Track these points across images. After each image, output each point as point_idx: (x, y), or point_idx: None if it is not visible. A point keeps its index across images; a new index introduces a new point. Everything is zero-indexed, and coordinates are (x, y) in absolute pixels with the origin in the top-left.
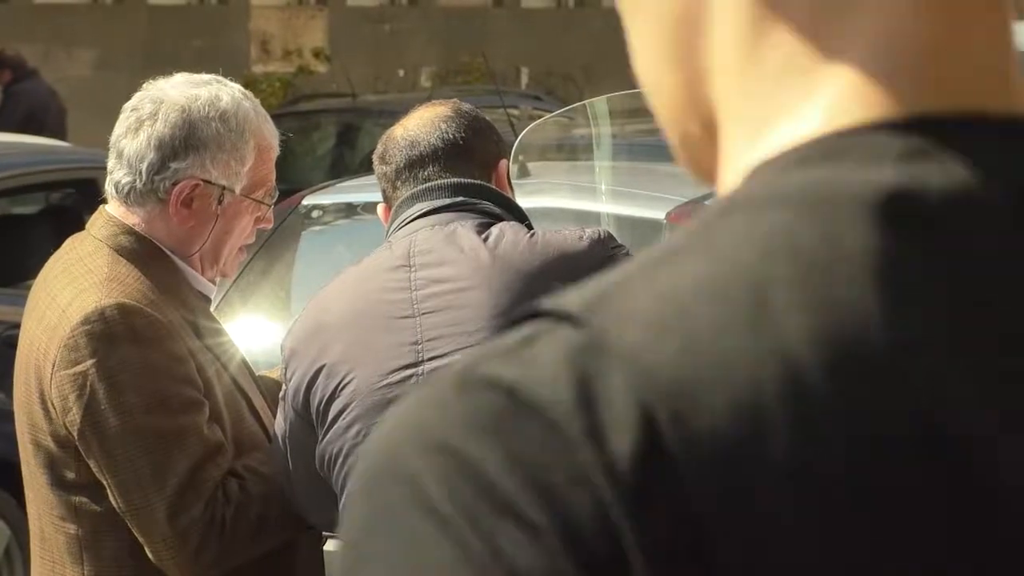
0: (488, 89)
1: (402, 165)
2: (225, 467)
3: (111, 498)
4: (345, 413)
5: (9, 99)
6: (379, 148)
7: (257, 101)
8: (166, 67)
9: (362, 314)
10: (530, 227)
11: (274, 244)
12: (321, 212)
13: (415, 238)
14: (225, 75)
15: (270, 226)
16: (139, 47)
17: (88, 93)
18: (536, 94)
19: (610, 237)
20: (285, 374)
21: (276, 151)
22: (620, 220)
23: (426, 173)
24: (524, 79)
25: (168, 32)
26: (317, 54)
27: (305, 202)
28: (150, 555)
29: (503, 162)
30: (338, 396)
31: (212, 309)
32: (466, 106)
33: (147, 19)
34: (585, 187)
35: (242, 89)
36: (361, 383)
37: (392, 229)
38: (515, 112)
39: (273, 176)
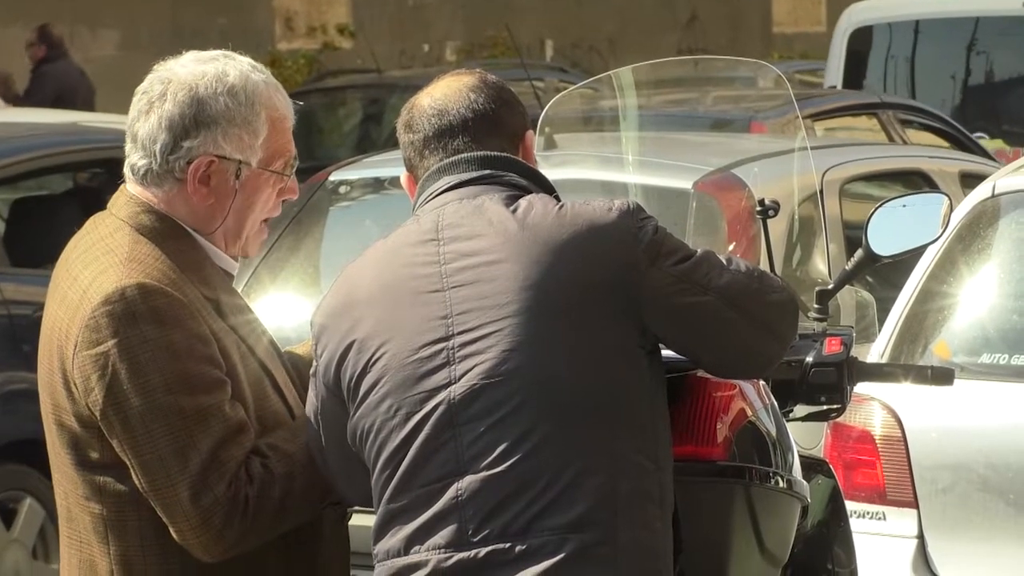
0: (513, 62)
1: (431, 134)
2: (248, 446)
3: (134, 478)
4: (376, 388)
5: (38, 79)
6: (404, 116)
7: (268, 73)
8: (191, 46)
9: (391, 289)
10: (558, 198)
11: (302, 220)
12: (348, 187)
13: (443, 211)
14: (250, 53)
15: (295, 197)
16: (164, 26)
17: (113, 73)
18: (561, 66)
19: (639, 208)
20: (316, 350)
21: (291, 121)
22: (647, 190)
23: (456, 143)
24: (549, 52)
25: (192, 10)
26: (342, 30)
27: (332, 178)
28: (174, 534)
29: (529, 133)
30: (369, 371)
31: (240, 287)
32: (492, 76)
33: None
34: (612, 158)
35: (252, 62)
36: (392, 358)
37: (419, 203)
38: (540, 85)
39: (291, 146)
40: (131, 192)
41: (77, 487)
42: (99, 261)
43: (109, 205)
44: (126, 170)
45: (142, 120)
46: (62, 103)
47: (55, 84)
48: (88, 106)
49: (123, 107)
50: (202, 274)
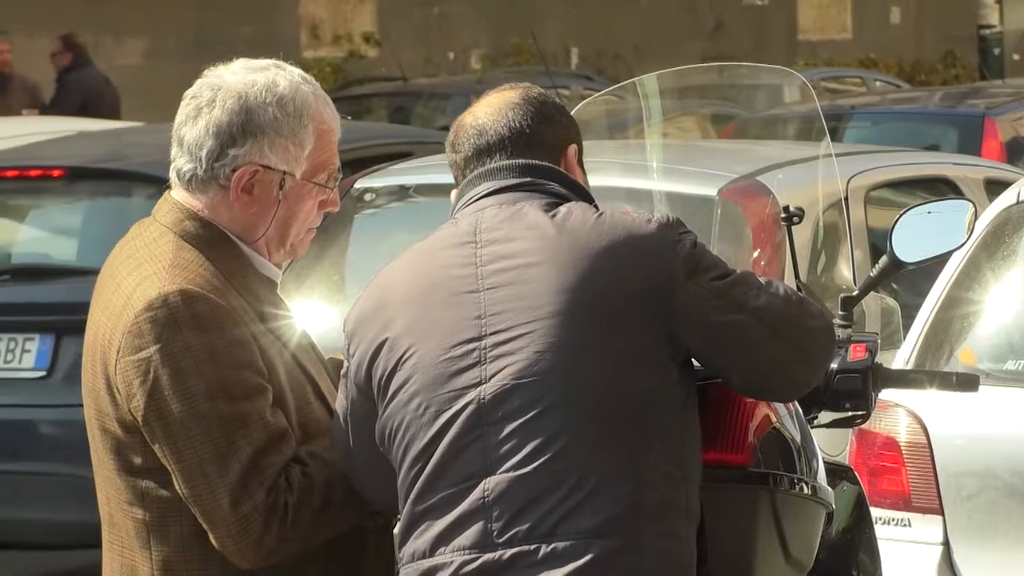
0: (538, 70)
1: (471, 154)
2: (288, 453)
3: (175, 484)
4: (406, 386)
5: (63, 87)
6: (450, 135)
7: (317, 85)
8: (215, 54)
9: (426, 289)
10: (597, 208)
11: (327, 228)
12: (374, 195)
13: (482, 215)
14: None
15: (336, 210)
16: (188, 34)
17: (138, 81)
18: (587, 74)
19: (679, 222)
20: (348, 350)
21: (337, 134)
22: (672, 197)
23: (493, 162)
24: (574, 59)
25: (217, 19)
26: (367, 38)
27: (358, 185)
28: (213, 540)
29: (572, 147)
30: (400, 369)
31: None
32: (536, 90)
33: (196, 6)
34: (636, 165)
35: (302, 73)
36: (423, 356)
37: (458, 207)
38: (566, 92)
39: (336, 159)
40: (175, 199)
41: (120, 492)
42: (143, 267)
43: (153, 211)
44: (172, 175)
45: (189, 125)
46: (88, 111)
47: (81, 92)
48: (114, 113)
49: (147, 114)
50: (245, 281)
